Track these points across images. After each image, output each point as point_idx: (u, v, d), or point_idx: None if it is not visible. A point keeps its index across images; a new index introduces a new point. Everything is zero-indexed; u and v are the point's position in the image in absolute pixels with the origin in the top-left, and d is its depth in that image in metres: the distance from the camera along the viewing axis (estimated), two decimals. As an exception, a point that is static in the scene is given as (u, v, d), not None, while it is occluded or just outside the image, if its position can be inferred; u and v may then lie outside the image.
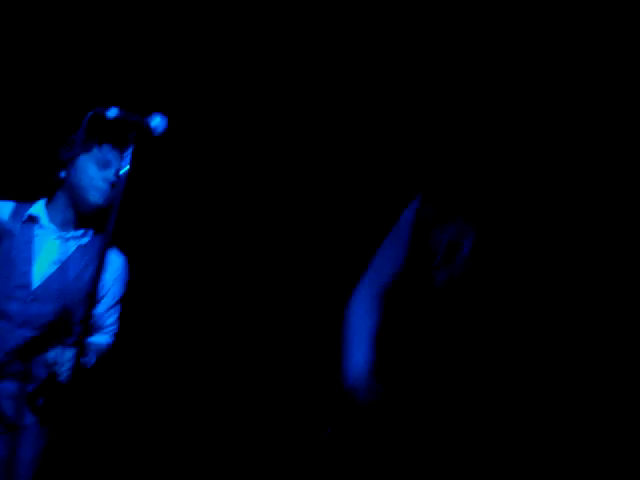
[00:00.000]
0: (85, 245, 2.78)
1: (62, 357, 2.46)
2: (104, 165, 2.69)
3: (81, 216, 2.76)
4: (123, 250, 2.93)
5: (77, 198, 2.71)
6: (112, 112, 2.17)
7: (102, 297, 2.79)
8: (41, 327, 2.64)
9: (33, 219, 2.74)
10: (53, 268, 2.68)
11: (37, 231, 2.71)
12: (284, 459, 4.08)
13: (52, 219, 2.73)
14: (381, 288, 2.50)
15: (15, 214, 2.71)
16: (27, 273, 2.63)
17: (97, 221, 2.80)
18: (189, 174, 4.30)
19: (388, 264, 2.50)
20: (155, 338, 4.30)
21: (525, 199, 2.58)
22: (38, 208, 2.75)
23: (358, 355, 2.41)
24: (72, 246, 2.75)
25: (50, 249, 2.68)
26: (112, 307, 2.85)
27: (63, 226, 2.75)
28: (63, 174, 2.71)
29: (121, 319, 2.94)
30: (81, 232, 2.78)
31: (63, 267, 2.68)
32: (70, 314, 2.68)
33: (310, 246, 4.36)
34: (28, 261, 2.64)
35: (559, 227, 2.62)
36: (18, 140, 3.92)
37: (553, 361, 2.46)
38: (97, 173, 2.69)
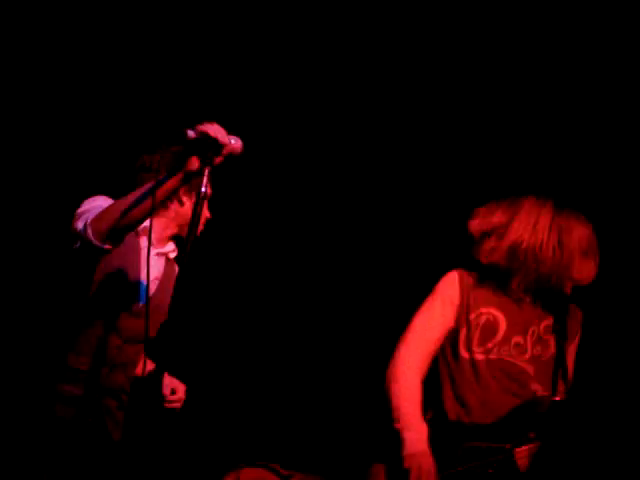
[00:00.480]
0: (170, 261, 2.79)
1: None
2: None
3: (175, 235, 2.75)
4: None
5: (183, 223, 2.65)
6: (192, 132, 2.14)
7: None
8: (140, 342, 2.62)
9: (139, 232, 2.64)
10: (155, 284, 2.66)
11: (142, 244, 2.62)
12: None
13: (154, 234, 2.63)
14: (427, 353, 2.76)
15: None
16: (137, 287, 2.59)
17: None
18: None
19: (435, 329, 2.77)
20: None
21: None
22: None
23: (415, 433, 2.66)
24: (162, 262, 2.75)
25: (152, 264, 2.56)
26: None
27: (160, 242, 2.72)
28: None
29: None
30: (171, 248, 2.78)
31: (163, 283, 2.68)
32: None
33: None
34: (138, 274, 2.58)
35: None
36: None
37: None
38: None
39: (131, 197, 2.28)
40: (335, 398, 4.68)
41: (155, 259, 2.66)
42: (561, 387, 2.70)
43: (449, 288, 2.78)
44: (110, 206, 2.35)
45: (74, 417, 2.49)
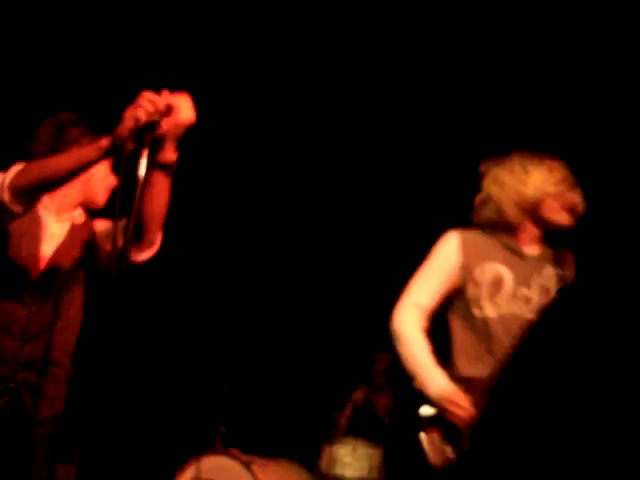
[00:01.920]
0: (77, 225, 2.72)
1: None
2: None
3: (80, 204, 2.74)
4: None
5: (88, 189, 2.67)
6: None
7: None
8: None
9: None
10: (54, 250, 2.63)
11: (40, 213, 2.61)
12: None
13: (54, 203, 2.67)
14: (426, 309, 2.76)
15: None
16: (36, 255, 2.57)
17: None
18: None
19: (433, 287, 2.77)
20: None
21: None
22: None
23: (436, 378, 2.69)
24: (66, 228, 2.69)
25: (54, 232, 2.61)
26: None
27: (62, 210, 2.68)
28: None
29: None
30: (77, 213, 2.71)
31: (64, 248, 2.64)
32: None
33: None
34: (37, 243, 2.57)
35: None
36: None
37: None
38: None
39: (55, 159, 2.28)
40: (288, 381, 4.66)
41: (57, 226, 2.64)
42: None
43: (447, 247, 2.79)
44: (34, 164, 2.33)
45: None
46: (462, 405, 2.61)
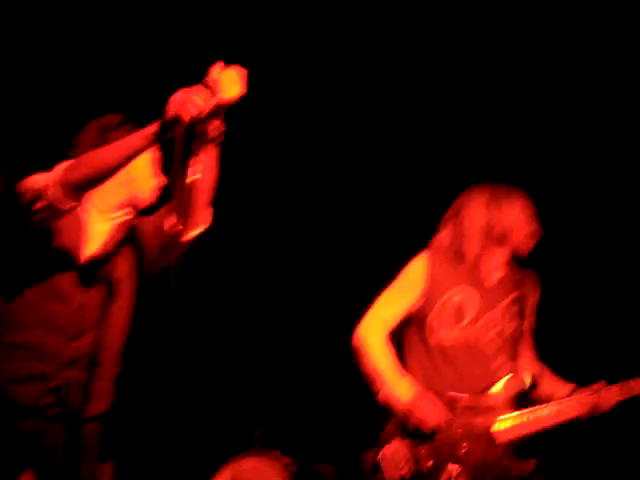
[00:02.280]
0: (123, 225, 2.69)
1: None
2: None
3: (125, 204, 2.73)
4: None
5: (132, 187, 2.66)
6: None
7: None
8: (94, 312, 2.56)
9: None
10: (101, 250, 2.61)
11: (82, 213, 2.57)
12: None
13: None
14: (388, 326, 2.82)
15: None
16: (77, 254, 2.56)
17: None
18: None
19: (397, 307, 2.83)
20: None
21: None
22: None
23: (404, 382, 2.73)
24: (110, 229, 2.66)
25: (98, 232, 2.59)
26: None
27: (105, 211, 2.66)
28: None
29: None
30: (119, 213, 2.67)
31: (109, 249, 2.63)
32: None
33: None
34: (78, 241, 2.56)
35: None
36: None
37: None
38: None
39: (104, 150, 2.27)
40: (331, 386, 4.61)
41: (102, 225, 2.59)
42: (528, 353, 2.86)
43: (415, 272, 2.85)
44: (83, 157, 2.33)
45: (32, 398, 2.38)
46: (431, 409, 2.63)
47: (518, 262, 2.91)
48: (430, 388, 2.70)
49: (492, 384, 2.70)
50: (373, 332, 2.79)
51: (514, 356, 2.77)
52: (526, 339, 2.86)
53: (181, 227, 2.23)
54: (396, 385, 2.69)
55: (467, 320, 2.78)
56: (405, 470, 2.61)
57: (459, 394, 2.69)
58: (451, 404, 2.68)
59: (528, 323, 2.86)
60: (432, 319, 2.78)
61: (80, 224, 2.53)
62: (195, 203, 2.35)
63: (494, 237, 2.83)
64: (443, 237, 2.89)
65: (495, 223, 2.82)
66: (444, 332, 2.77)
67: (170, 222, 2.20)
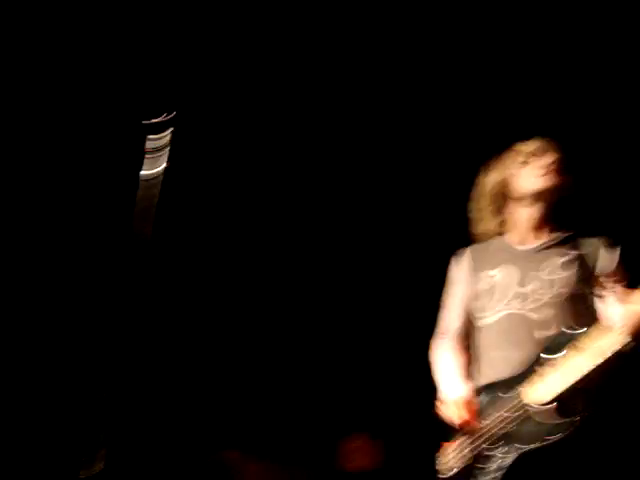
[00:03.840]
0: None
1: None
2: None
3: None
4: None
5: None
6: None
7: None
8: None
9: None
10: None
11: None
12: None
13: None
14: (448, 332, 2.97)
15: None
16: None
17: None
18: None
19: (452, 313, 2.97)
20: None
21: None
22: None
23: (447, 385, 2.90)
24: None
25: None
26: None
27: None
28: None
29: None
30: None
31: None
32: None
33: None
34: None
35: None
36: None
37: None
38: None
39: None
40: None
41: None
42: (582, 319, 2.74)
43: (456, 271, 2.97)
44: None
45: None
46: (460, 411, 2.74)
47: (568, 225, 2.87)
48: (490, 369, 2.77)
49: (538, 359, 2.67)
50: (435, 345, 2.99)
51: (574, 321, 2.69)
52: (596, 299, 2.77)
53: None
54: (442, 388, 2.89)
55: (497, 298, 2.81)
56: (458, 464, 2.73)
57: (501, 377, 2.73)
58: (490, 389, 2.75)
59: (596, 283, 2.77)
60: (473, 305, 2.87)
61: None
62: None
63: (499, 192, 2.88)
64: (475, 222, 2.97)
65: (499, 180, 2.87)
66: (483, 313, 2.83)
67: None
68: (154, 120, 4.14)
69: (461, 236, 3.02)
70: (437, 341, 2.99)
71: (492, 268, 2.84)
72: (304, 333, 4.69)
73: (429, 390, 2.94)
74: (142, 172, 4.21)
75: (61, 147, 4.23)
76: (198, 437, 4.45)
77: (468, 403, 2.74)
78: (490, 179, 2.91)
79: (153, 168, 4.22)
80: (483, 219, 2.93)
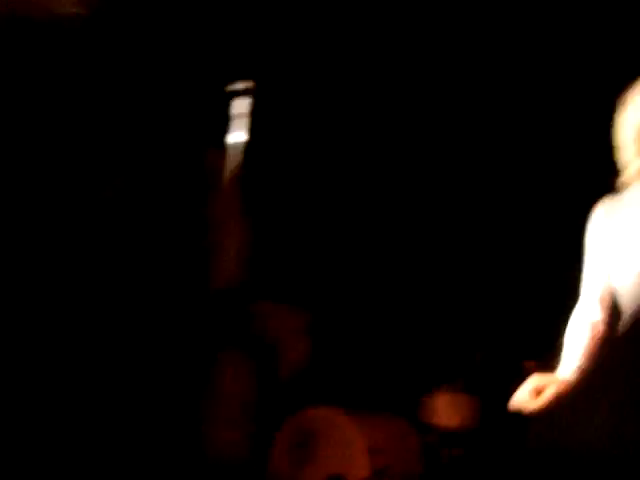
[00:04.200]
0: None
1: None
2: None
3: None
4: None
5: None
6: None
7: None
8: None
9: None
10: None
11: None
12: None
13: None
14: (596, 301, 2.62)
15: None
16: None
17: None
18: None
19: (595, 277, 2.62)
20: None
21: None
22: None
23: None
24: None
25: None
26: None
27: None
28: None
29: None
30: None
31: None
32: None
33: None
34: None
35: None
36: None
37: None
38: None
39: None
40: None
41: None
42: None
43: (591, 232, 2.64)
44: None
45: None
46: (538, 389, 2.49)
47: None
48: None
49: None
50: (574, 318, 2.65)
51: None
52: None
53: None
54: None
55: (624, 256, 2.50)
56: None
57: None
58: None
59: None
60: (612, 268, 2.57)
61: None
62: None
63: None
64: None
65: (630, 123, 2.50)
66: (614, 273, 2.55)
67: None
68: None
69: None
70: (577, 311, 2.64)
71: (616, 224, 2.54)
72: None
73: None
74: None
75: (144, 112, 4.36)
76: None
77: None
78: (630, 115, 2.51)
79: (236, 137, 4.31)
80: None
